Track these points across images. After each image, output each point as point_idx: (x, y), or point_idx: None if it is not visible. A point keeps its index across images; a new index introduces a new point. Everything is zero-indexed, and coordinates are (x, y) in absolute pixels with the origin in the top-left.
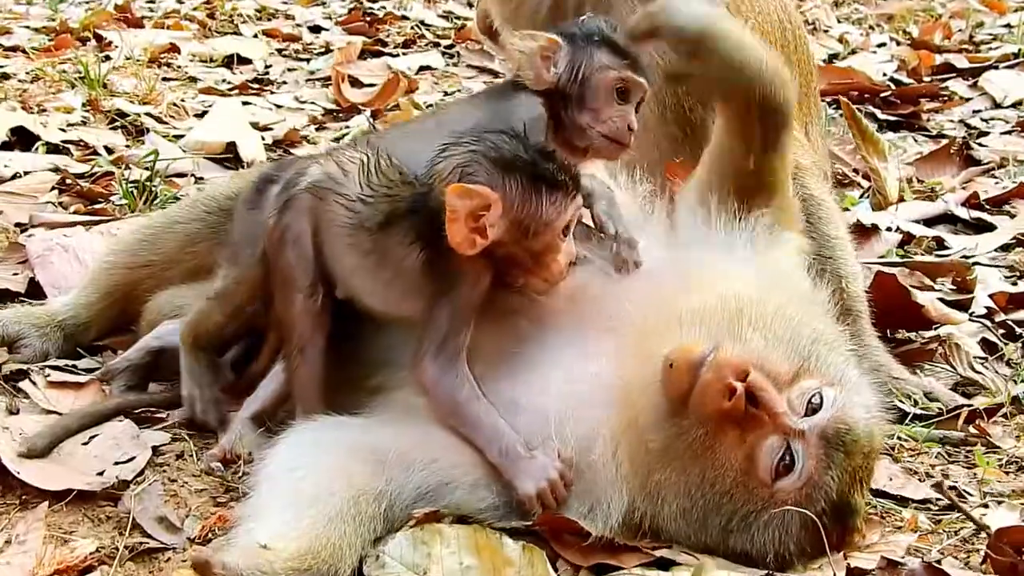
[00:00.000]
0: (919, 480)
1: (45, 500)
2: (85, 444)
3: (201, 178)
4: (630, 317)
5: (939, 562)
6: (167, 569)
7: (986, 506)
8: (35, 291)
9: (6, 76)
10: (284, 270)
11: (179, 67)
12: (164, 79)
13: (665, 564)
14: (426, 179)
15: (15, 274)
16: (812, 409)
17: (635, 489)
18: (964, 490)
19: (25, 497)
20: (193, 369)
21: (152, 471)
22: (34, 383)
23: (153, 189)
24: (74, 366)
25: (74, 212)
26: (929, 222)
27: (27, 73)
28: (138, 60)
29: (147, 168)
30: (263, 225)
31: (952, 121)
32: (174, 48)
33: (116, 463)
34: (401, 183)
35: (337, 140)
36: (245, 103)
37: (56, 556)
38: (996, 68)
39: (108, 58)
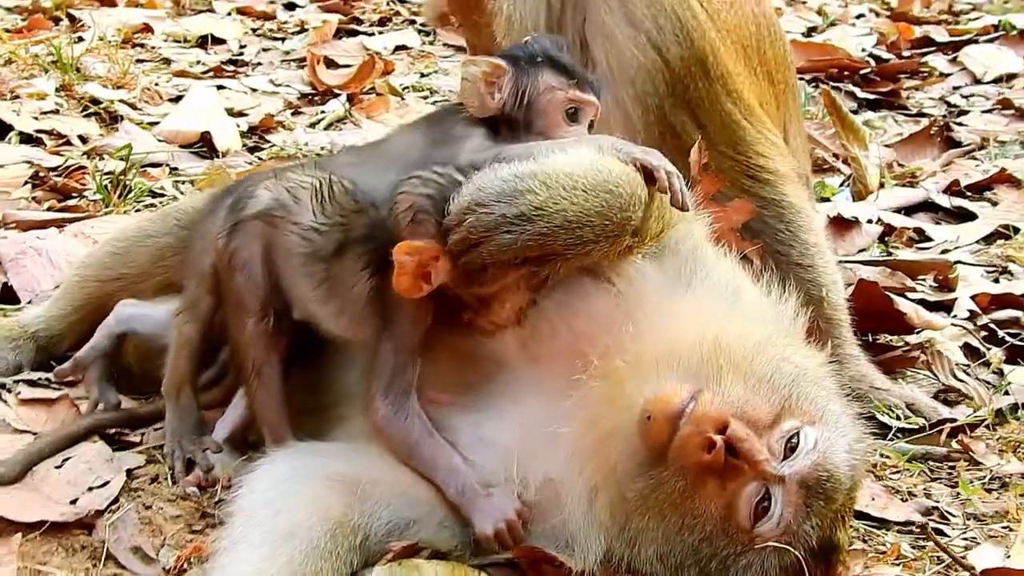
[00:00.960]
0: (902, 499)
1: (19, 531)
2: (58, 467)
3: (176, 169)
4: (606, 356)
5: None
6: None
7: (967, 528)
8: (8, 295)
9: None
10: (234, 294)
11: (153, 48)
12: (138, 61)
13: None
14: (384, 211)
15: None
16: (791, 449)
17: (613, 535)
18: (947, 511)
19: None
20: (178, 426)
21: (126, 497)
22: (5, 402)
23: (127, 183)
24: (47, 379)
25: (48, 208)
26: (910, 211)
27: None
28: (111, 41)
29: (122, 160)
30: (213, 244)
31: (932, 99)
32: (148, 28)
33: (90, 488)
34: (354, 211)
35: (312, 126)
36: (220, 87)
37: None
38: (976, 42)
39: (81, 39)
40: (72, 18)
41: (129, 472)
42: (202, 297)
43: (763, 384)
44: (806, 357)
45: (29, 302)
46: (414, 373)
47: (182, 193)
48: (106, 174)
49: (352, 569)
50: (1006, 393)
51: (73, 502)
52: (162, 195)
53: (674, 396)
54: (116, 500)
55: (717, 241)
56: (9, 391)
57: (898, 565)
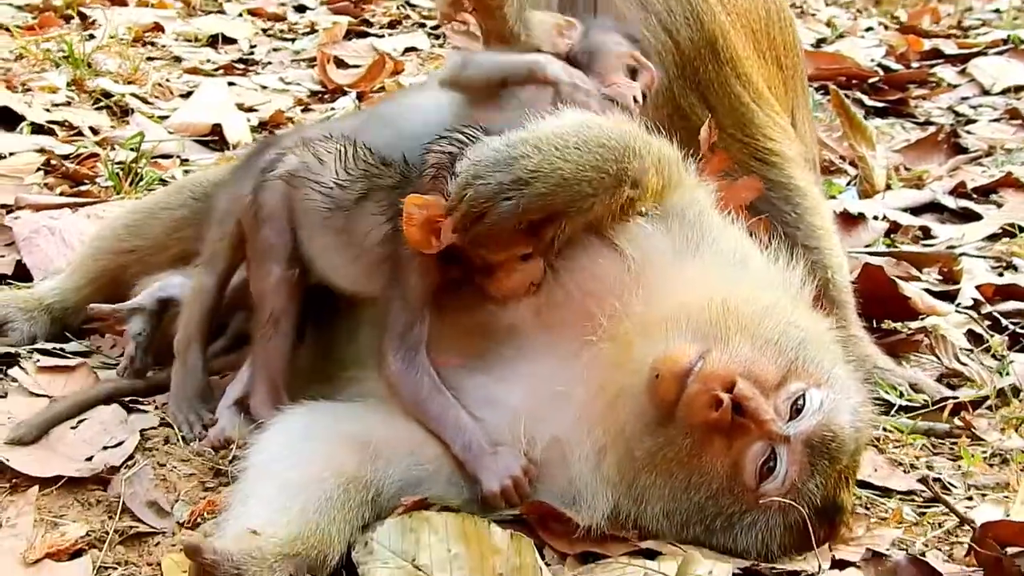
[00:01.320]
0: (904, 471)
1: (35, 484)
2: (74, 428)
3: (187, 160)
4: (615, 319)
5: (923, 554)
6: (156, 553)
7: (970, 498)
8: (22, 273)
9: None
10: (261, 245)
11: (163, 46)
12: (148, 58)
13: (651, 554)
14: (412, 167)
15: (1, 256)
16: (797, 410)
17: (621, 492)
18: (949, 482)
19: (15, 481)
20: (184, 384)
21: (141, 455)
22: (24, 369)
23: (139, 171)
24: (62, 349)
25: (60, 193)
26: (916, 211)
27: (11, 51)
28: (122, 39)
29: (133, 150)
30: (240, 200)
31: (940, 108)
32: (158, 27)
33: (105, 447)
34: (379, 167)
35: (323, 122)
36: (230, 84)
37: (47, 540)
38: (985, 54)
39: (92, 37)
40: (83, 16)
41: (143, 433)
42: (222, 252)
43: (770, 346)
44: (813, 322)
45: (42, 280)
46: (423, 330)
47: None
48: (117, 163)
49: (364, 522)
50: (1008, 375)
51: (89, 459)
52: None
53: (682, 355)
54: (131, 458)
55: (727, 209)
56: (25, 360)
57: (900, 528)
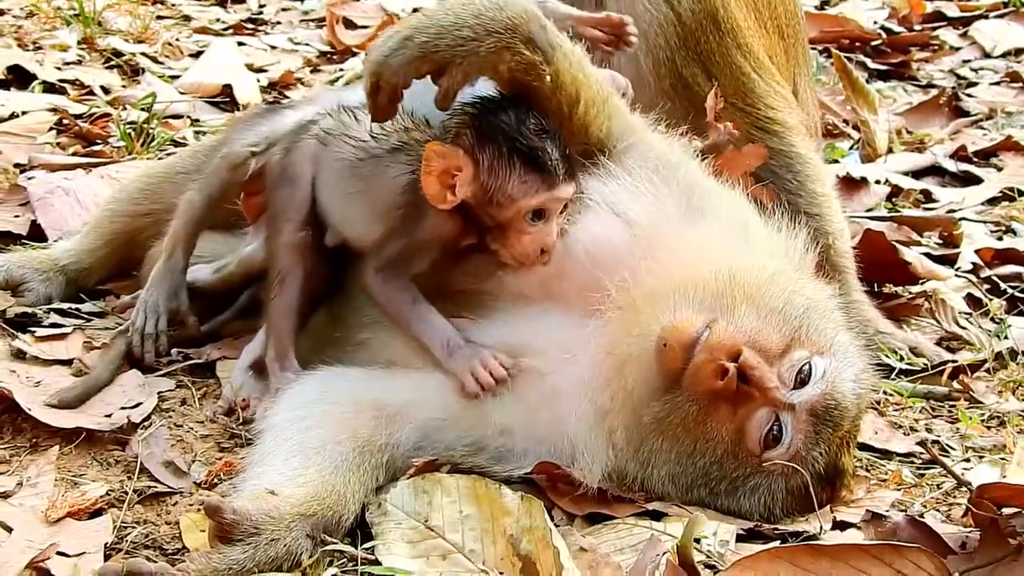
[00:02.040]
0: (904, 434)
1: (55, 444)
2: None
3: (197, 120)
4: (623, 289)
5: (921, 515)
6: (175, 512)
7: (968, 460)
8: (37, 233)
9: (1, 12)
10: (278, 204)
11: (173, 5)
12: (158, 17)
13: (657, 515)
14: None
15: (16, 216)
16: (802, 380)
17: (628, 456)
18: (947, 444)
19: (35, 440)
20: (161, 278)
21: (158, 417)
22: (26, 341)
23: (150, 132)
24: (77, 310)
25: (72, 153)
26: (917, 174)
27: (21, 9)
28: None
29: (144, 110)
30: (262, 127)
31: (942, 71)
32: None
33: (123, 408)
34: (415, 124)
35: (332, 83)
36: (240, 44)
37: (67, 499)
38: (986, 17)
39: None
40: None
41: (160, 395)
42: (220, 174)
43: (775, 315)
44: (816, 290)
45: (57, 240)
46: (414, 268)
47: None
48: (129, 123)
49: (378, 484)
50: (1006, 338)
51: (108, 416)
52: (184, 144)
53: (689, 325)
54: (148, 419)
55: (731, 179)
56: (40, 320)
57: (899, 490)
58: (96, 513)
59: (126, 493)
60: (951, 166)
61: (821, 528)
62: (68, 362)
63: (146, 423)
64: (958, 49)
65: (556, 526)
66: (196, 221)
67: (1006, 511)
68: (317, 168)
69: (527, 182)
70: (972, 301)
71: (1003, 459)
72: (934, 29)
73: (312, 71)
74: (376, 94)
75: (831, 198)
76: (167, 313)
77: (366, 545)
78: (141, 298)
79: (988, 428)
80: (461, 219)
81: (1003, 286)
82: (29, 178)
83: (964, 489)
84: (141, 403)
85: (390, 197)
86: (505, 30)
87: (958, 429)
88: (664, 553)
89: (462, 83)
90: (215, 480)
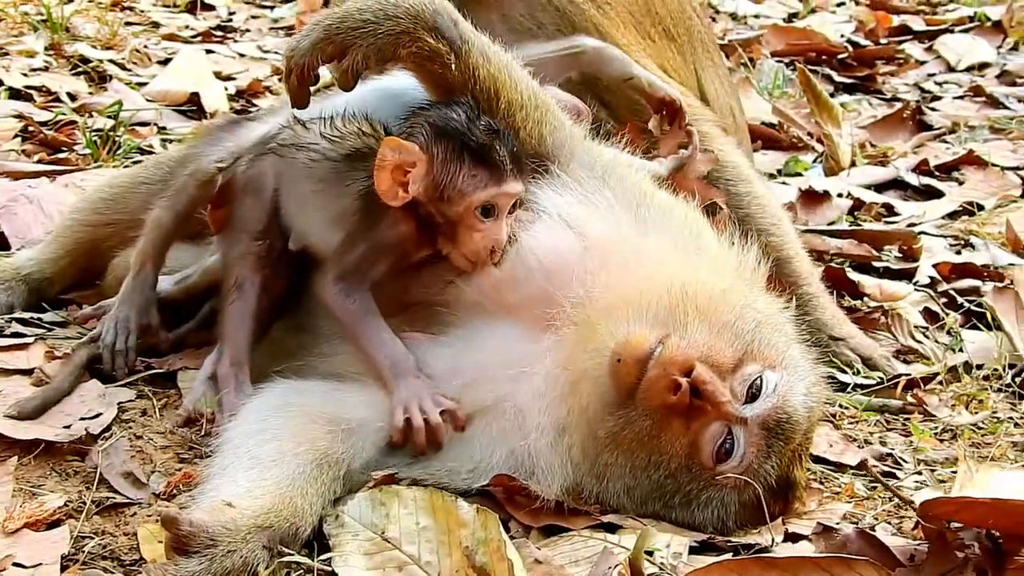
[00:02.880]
0: (858, 447)
1: (14, 455)
2: None
3: (164, 128)
4: (577, 303)
5: (872, 528)
6: (133, 523)
7: (920, 474)
8: None
9: None
10: (240, 214)
11: (142, 11)
12: (127, 23)
13: (612, 527)
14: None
15: None
16: (753, 394)
17: (584, 470)
18: (900, 457)
19: None
20: (131, 295)
21: (118, 427)
22: None
23: (116, 139)
24: (39, 319)
25: (37, 161)
26: (879, 188)
27: None
28: (100, 3)
29: (111, 117)
30: (227, 141)
31: (907, 84)
32: None
33: (82, 418)
34: (370, 127)
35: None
36: (208, 51)
37: (25, 510)
38: (952, 32)
39: (70, 0)
40: None
41: (120, 406)
42: (188, 191)
43: (727, 330)
44: (767, 304)
45: (19, 248)
46: (372, 275)
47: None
48: (95, 130)
49: (335, 496)
50: (961, 351)
51: (67, 427)
52: (150, 152)
53: (643, 340)
54: (108, 429)
55: (681, 191)
56: (1, 330)
57: (851, 503)
58: (54, 524)
59: (84, 504)
60: (913, 180)
61: (773, 540)
62: (29, 372)
63: (106, 434)
64: (923, 63)
65: (512, 538)
66: (165, 237)
67: (954, 524)
68: (279, 179)
69: (476, 176)
70: (929, 315)
71: (954, 472)
72: (900, 43)
73: (280, 80)
74: (288, 77)
75: (756, 194)
76: (138, 330)
77: (323, 557)
78: (111, 314)
79: (941, 441)
80: (415, 222)
81: (960, 300)
82: None
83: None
84: (101, 413)
85: (346, 201)
86: (406, 16)
87: (911, 442)
88: (617, 565)
89: (363, 65)
90: (174, 491)
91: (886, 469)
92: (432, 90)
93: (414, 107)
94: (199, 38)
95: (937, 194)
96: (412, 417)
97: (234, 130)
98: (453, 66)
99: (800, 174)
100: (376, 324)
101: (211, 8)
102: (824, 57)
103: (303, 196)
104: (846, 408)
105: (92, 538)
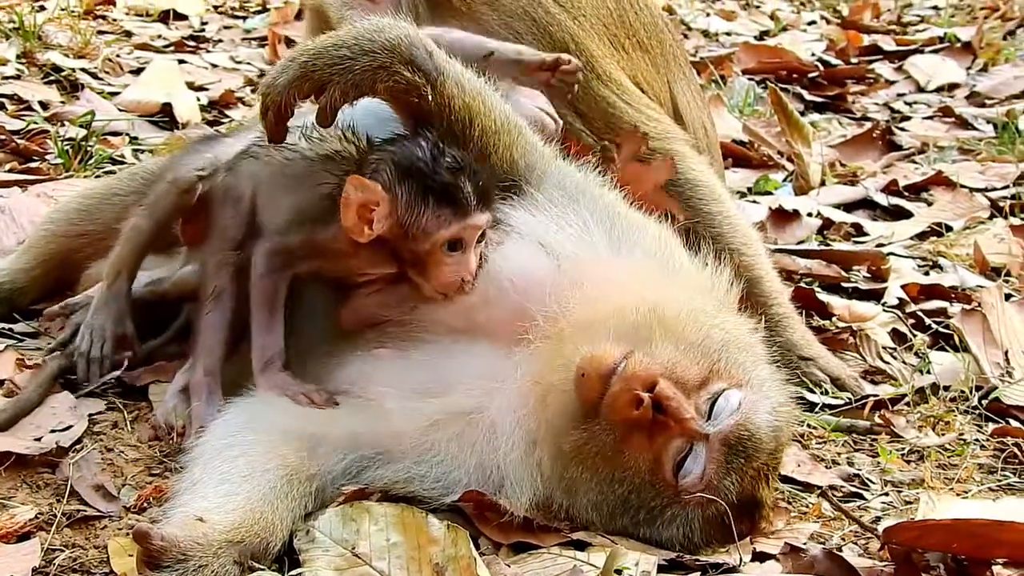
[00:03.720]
0: (826, 467)
1: None
2: None
3: (136, 138)
4: (549, 319)
5: (839, 549)
6: (104, 536)
7: (887, 495)
8: None
9: None
10: (218, 223)
11: (114, 20)
12: (99, 32)
13: (581, 545)
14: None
15: None
16: (716, 412)
17: (553, 484)
18: (867, 478)
19: None
20: (106, 303)
21: (89, 440)
22: None
23: (88, 149)
24: (10, 330)
25: (9, 170)
26: (849, 207)
27: None
28: (73, 11)
29: (83, 127)
30: (206, 153)
31: (877, 104)
32: (110, 0)
33: (53, 431)
34: (352, 135)
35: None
36: (180, 61)
37: None
38: (922, 52)
39: (43, 8)
40: None
41: (91, 418)
42: (168, 198)
43: (693, 348)
44: (736, 324)
45: None
46: (298, 266)
47: (141, 162)
48: (67, 140)
49: (306, 511)
50: (928, 372)
51: (37, 440)
52: (122, 163)
53: (607, 356)
54: (79, 441)
55: (641, 201)
56: None
57: (818, 523)
58: (24, 536)
59: (55, 516)
60: (882, 200)
61: (741, 560)
62: (0, 383)
63: (77, 446)
64: (893, 83)
65: (482, 555)
66: (142, 246)
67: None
68: (255, 183)
69: (440, 216)
70: (897, 336)
71: (919, 493)
72: (870, 62)
73: (253, 91)
74: (265, 114)
75: (728, 214)
76: (113, 339)
77: (293, 572)
78: (86, 321)
79: (908, 463)
80: (360, 245)
81: (928, 321)
82: None
83: (878, 522)
84: (72, 426)
85: (311, 197)
86: (382, 50)
87: (878, 463)
88: None
89: (341, 101)
90: (145, 504)
91: (853, 490)
92: (405, 118)
93: (379, 142)
94: (171, 48)
95: (906, 214)
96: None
97: (212, 144)
98: (429, 96)
99: (770, 193)
100: (272, 312)
101: (183, 18)
102: (795, 76)
103: (275, 190)
104: (814, 428)
105: (63, 551)
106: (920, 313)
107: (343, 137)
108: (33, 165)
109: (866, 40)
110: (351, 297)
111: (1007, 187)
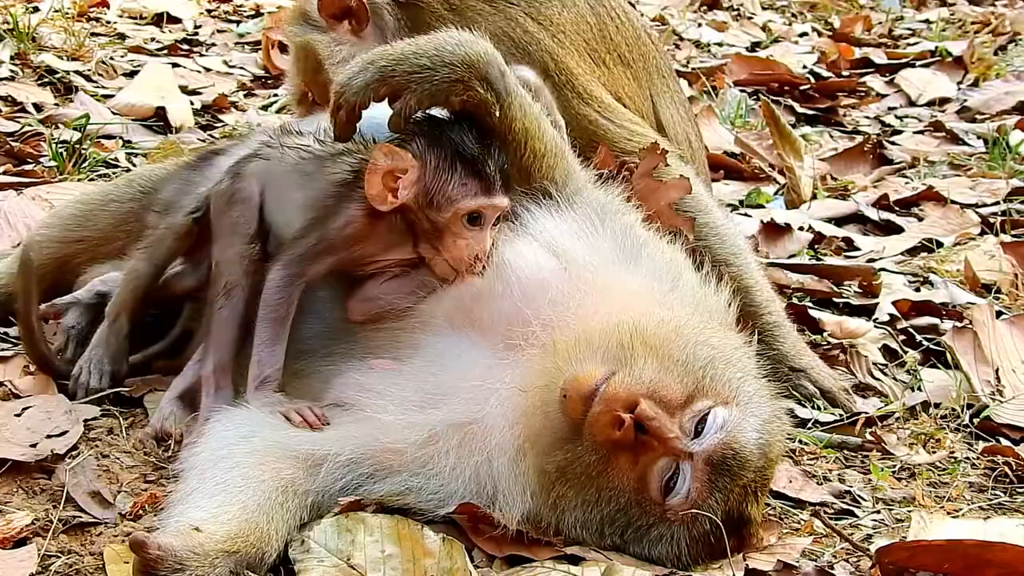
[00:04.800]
0: (817, 483)
1: None
2: (18, 416)
3: (130, 142)
4: (546, 327)
5: (831, 566)
6: (99, 543)
7: (878, 512)
8: None
9: None
10: (229, 223)
11: (108, 23)
12: (93, 34)
13: (575, 559)
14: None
15: None
16: (701, 430)
17: (540, 500)
18: (858, 495)
19: None
20: (107, 340)
21: (85, 445)
22: None
23: (83, 152)
24: (5, 333)
25: (3, 173)
26: (840, 221)
27: None
28: (67, 13)
29: (77, 130)
30: (199, 185)
31: (868, 118)
32: (104, 2)
33: (48, 436)
34: (361, 139)
35: (265, 108)
36: (174, 65)
37: None
38: (913, 66)
39: (37, 10)
40: None
41: (86, 424)
42: (166, 243)
43: (678, 366)
44: (724, 340)
45: None
46: (318, 269)
47: (135, 165)
48: (61, 143)
49: (301, 522)
50: (919, 390)
51: (33, 445)
52: (116, 166)
53: (588, 377)
54: (75, 447)
55: (652, 217)
56: None
57: (810, 539)
58: (20, 542)
59: (51, 522)
60: (873, 214)
61: None
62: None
63: (73, 452)
64: (884, 96)
65: (476, 567)
66: (142, 288)
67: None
68: (265, 183)
69: (467, 185)
70: (888, 352)
71: (910, 511)
72: (862, 75)
73: (247, 95)
74: (336, 112)
75: (716, 225)
76: (109, 376)
77: None
78: (86, 355)
79: (899, 480)
80: (375, 230)
81: (919, 338)
82: None
83: (870, 540)
84: (67, 431)
85: (320, 189)
86: (461, 64)
87: (870, 480)
88: None
89: (415, 108)
90: (140, 512)
91: (845, 507)
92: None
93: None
94: (165, 51)
95: (897, 229)
96: (292, 419)
97: (202, 169)
98: (496, 114)
99: (762, 206)
100: (278, 329)
101: (177, 21)
102: (786, 88)
103: (285, 188)
104: (806, 444)
105: (59, 557)
106: (911, 329)
107: (351, 143)
108: (27, 168)
109: (857, 53)
110: (359, 289)
111: (997, 203)
